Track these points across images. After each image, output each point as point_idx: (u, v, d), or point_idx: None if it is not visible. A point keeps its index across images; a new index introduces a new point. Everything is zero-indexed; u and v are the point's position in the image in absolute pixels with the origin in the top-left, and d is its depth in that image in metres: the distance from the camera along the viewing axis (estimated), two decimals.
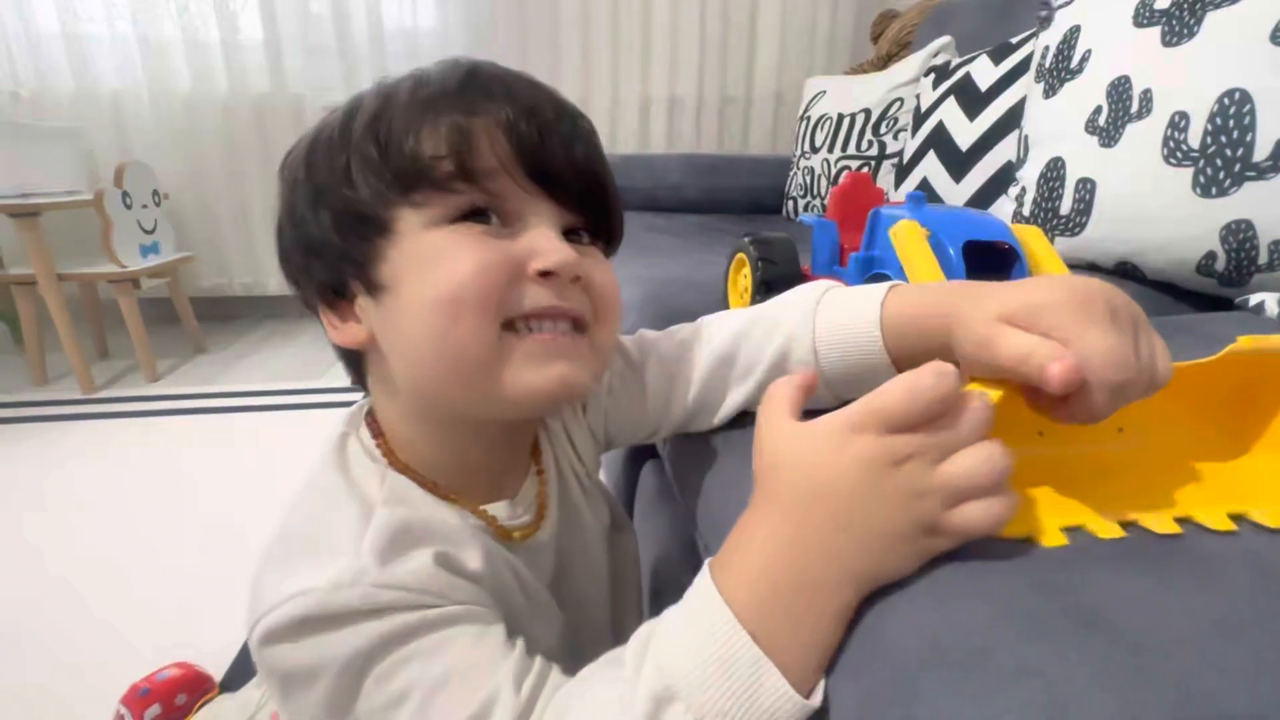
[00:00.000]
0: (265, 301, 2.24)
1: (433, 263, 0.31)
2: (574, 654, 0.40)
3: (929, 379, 0.23)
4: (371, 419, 0.37)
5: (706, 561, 0.27)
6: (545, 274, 0.31)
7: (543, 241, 0.32)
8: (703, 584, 0.25)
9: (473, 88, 0.32)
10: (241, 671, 0.75)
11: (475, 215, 0.32)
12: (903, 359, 0.34)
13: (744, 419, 0.42)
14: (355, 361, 0.38)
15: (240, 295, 2.19)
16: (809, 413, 0.26)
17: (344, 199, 0.32)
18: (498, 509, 0.37)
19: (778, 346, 0.38)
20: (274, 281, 2.17)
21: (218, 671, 0.73)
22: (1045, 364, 0.22)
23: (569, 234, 0.35)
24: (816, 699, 0.23)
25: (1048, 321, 0.24)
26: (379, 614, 0.27)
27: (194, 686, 0.69)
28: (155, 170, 1.81)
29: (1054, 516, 0.24)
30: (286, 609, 0.27)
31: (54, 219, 1.56)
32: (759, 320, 0.40)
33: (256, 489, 1.15)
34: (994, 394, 0.24)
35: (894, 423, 0.23)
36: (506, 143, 0.31)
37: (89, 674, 0.75)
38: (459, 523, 0.33)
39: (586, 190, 0.34)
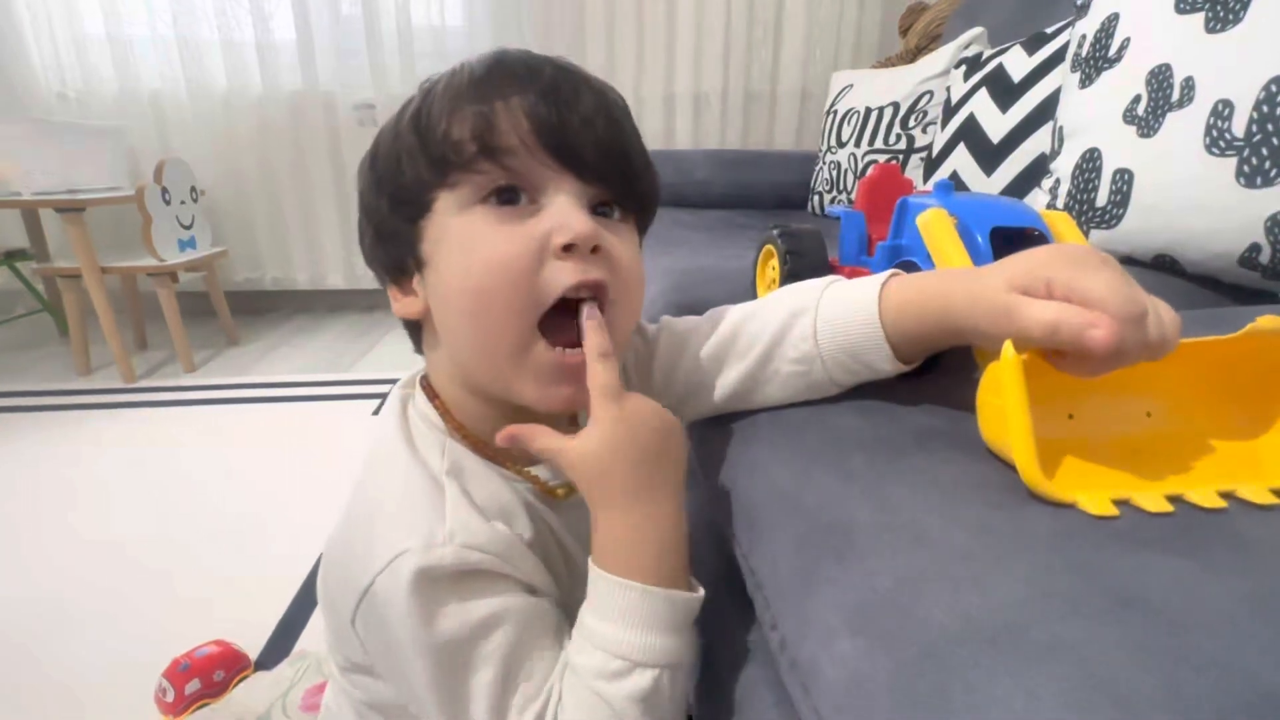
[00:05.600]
0: (296, 295, 2.28)
1: (465, 247, 0.33)
2: None
3: None
4: (426, 383, 0.41)
5: None
6: (568, 247, 0.33)
7: (562, 215, 0.33)
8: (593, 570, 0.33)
9: (497, 74, 0.34)
10: (276, 650, 0.77)
11: (504, 194, 0.34)
12: (899, 339, 0.35)
13: (770, 406, 0.42)
14: (415, 329, 0.41)
15: (271, 289, 2.24)
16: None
17: (396, 185, 0.36)
18: (541, 470, 0.40)
19: (779, 324, 0.39)
20: (304, 275, 2.21)
21: (253, 650, 0.76)
22: (1081, 333, 0.23)
23: (598, 208, 0.36)
24: (700, 590, 0.32)
25: (1052, 279, 0.26)
26: (468, 591, 0.31)
27: (231, 664, 0.71)
28: (192, 167, 1.86)
29: (1102, 488, 0.25)
30: (395, 567, 0.30)
31: (97, 214, 1.61)
32: (767, 303, 0.42)
33: (288, 476, 1.17)
34: (1012, 358, 0.25)
35: None
36: (526, 122, 0.33)
37: (131, 652, 0.78)
38: (511, 493, 0.36)
39: (609, 163, 0.35)
